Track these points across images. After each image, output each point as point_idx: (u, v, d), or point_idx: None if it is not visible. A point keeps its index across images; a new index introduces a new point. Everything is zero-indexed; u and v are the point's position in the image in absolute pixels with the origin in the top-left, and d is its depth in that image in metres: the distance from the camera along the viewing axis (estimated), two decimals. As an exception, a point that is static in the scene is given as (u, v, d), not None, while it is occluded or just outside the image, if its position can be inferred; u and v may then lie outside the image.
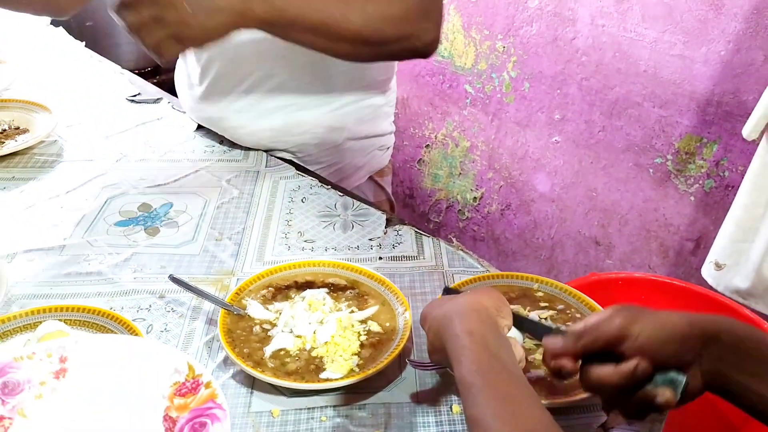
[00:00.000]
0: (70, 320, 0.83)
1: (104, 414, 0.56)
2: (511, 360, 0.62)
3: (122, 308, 0.89)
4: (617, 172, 1.84)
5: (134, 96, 1.45)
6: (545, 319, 0.87)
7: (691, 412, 1.32)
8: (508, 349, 0.64)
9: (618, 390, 0.62)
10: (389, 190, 1.45)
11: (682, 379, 0.60)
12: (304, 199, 1.15)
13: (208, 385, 0.55)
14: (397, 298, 0.90)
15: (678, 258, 1.79)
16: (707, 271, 1.54)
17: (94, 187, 1.15)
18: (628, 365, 0.60)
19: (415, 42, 1.07)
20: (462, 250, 1.04)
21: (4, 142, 1.22)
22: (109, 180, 1.17)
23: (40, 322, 0.82)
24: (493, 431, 0.54)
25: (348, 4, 1.01)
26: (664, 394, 0.60)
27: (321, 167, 1.30)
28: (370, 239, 1.06)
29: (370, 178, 1.40)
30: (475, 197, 2.28)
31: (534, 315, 0.88)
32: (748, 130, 1.33)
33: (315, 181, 1.20)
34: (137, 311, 0.90)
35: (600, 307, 0.89)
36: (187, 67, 1.26)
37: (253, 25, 0.96)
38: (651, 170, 1.76)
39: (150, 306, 0.91)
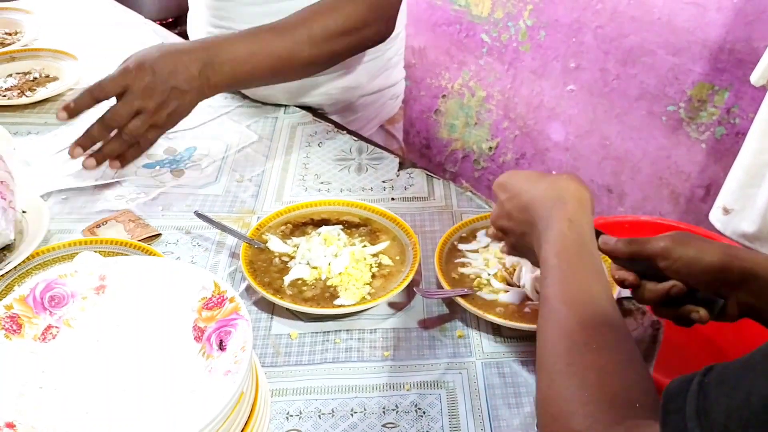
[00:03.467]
0: (104, 252, 0.90)
1: (140, 324, 0.62)
2: (597, 256, 0.66)
3: (151, 242, 0.96)
4: (630, 120, 1.86)
5: (157, 45, 1.50)
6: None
7: (686, 344, 1.38)
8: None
9: (659, 304, 0.70)
10: (400, 137, 1.49)
11: (721, 301, 0.66)
12: (320, 144, 1.20)
13: (232, 300, 0.61)
14: (407, 234, 0.95)
15: (689, 205, 1.83)
16: (715, 216, 1.58)
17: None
18: (665, 285, 0.68)
19: (367, 43, 1.13)
20: (470, 191, 1.09)
21: (35, 90, 1.28)
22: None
23: (77, 253, 0.89)
24: (558, 313, 0.59)
25: (294, 36, 1.05)
26: (698, 312, 0.67)
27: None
28: (383, 181, 1.12)
29: (381, 126, 1.44)
30: (490, 147, 2.31)
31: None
32: (757, 76, 1.35)
33: (331, 127, 1.25)
34: (165, 245, 0.96)
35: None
36: (202, 30, 1.29)
37: (214, 93, 1.03)
38: (664, 118, 1.78)
39: (177, 240, 0.97)
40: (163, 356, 0.61)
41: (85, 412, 0.57)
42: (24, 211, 0.95)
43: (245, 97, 1.32)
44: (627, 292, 0.89)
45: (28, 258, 0.89)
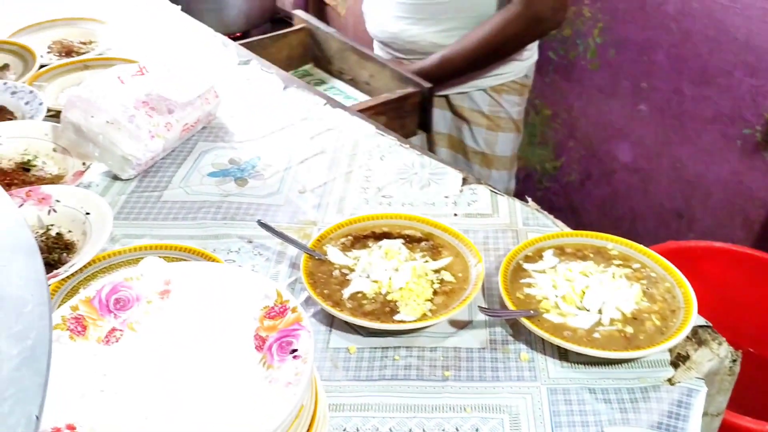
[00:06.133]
0: (168, 257, 0.90)
1: (202, 331, 0.62)
2: None
3: (214, 250, 0.96)
4: (703, 143, 1.80)
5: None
6: (620, 277, 0.88)
7: (763, 379, 1.29)
8: None
9: None
10: (511, 109, 1.65)
11: None
12: (383, 157, 1.19)
13: (294, 310, 0.59)
14: (470, 250, 0.93)
15: (763, 232, 1.74)
16: (794, 246, 1.50)
17: (189, 141, 1.22)
18: None
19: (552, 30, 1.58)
20: (537, 209, 1.06)
21: (108, 98, 1.31)
22: (202, 134, 1.24)
23: (142, 258, 0.90)
24: None
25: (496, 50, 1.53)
26: None
27: None
28: (446, 196, 1.09)
29: (485, 91, 1.61)
30: (554, 166, 2.26)
31: (610, 271, 0.88)
32: None
33: (394, 141, 1.24)
34: (227, 253, 0.96)
35: (676, 269, 0.89)
36: None
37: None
38: (739, 141, 1.71)
39: (239, 249, 0.97)
40: (224, 364, 0.60)
41: (144, 417, 0.57)
42: (88, 213, 0.96)
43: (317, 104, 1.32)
44: (702, 320, 0.84)
45: (92, 261, 0.90)
